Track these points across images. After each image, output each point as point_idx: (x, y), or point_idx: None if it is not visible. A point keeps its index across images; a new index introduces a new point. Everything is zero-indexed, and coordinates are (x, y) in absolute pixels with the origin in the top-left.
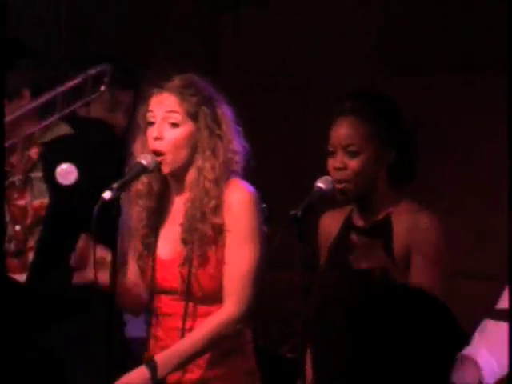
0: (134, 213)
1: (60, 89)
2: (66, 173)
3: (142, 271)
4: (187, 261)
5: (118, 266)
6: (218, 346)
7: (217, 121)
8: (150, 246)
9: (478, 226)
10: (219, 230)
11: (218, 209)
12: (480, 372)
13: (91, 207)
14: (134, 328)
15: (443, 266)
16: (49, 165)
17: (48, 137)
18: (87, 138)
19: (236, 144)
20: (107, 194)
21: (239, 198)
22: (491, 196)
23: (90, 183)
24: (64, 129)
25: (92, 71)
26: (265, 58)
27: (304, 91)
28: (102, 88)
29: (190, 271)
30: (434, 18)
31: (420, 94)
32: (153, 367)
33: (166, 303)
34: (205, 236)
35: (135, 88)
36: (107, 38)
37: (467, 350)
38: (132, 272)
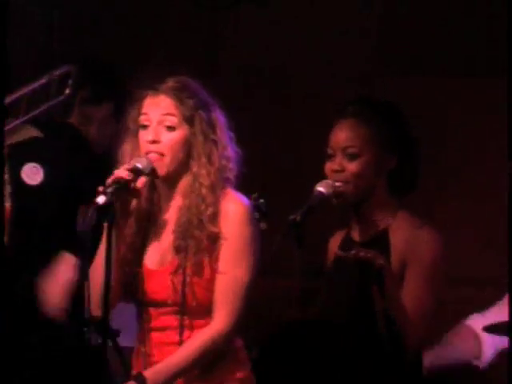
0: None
1: (24, 90)
2: (32, 173)
3: (129, 281)
4: (180, 269)
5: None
6: (208, 359)
7: (212, 126)
8: (137, 254)
9: (477, 228)
10: (214, 240)
11: (214, 217)
12: (480, 345)
13: (55, 210)
14: (126, 338)
15: (437, 281)
16: (14, 166)
17: (14, 139)
18: (54, 140)
19: (230, 150)
20: (101, 199)
21: (235, 209)
22: (491, 198)
23: (54, 186)
24: (32, 132)
25: (56, 73)
26: (265, 58)
27: (304, 91)
28: (67, 91)
29: (184, 279)
30: (434, 19)
31: (420, 94)
32: (142, 382)
33: (154, 317)
34: (201, 243)
35: (113, 100)
36: (107, 38)
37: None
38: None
